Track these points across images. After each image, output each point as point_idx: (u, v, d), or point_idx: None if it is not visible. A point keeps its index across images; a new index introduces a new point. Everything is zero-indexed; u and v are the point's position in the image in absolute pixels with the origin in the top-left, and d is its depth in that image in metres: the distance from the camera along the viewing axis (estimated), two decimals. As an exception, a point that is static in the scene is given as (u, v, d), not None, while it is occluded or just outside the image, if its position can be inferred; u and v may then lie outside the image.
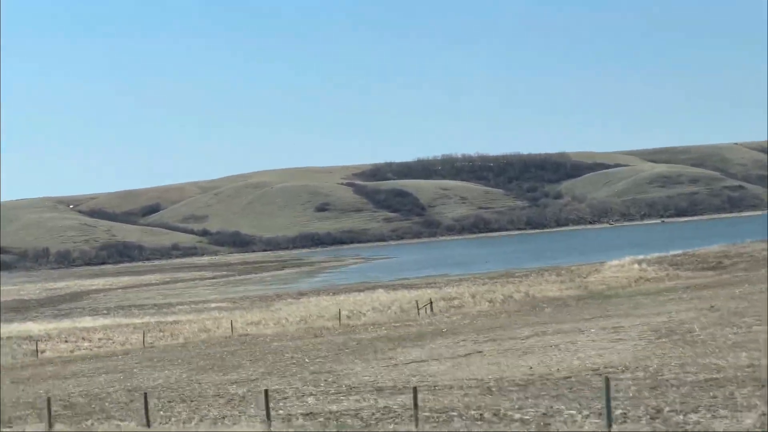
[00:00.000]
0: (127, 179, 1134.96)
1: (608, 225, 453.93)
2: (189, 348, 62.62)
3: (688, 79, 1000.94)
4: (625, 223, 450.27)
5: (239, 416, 28.27)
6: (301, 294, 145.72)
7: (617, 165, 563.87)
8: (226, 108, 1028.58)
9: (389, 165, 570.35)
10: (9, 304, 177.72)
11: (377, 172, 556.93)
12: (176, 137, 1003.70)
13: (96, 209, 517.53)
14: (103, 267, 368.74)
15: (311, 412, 27.57)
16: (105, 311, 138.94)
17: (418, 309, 78.54)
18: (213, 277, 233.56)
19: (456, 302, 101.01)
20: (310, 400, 30.68)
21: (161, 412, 30.85)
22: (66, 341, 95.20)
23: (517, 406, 25.15)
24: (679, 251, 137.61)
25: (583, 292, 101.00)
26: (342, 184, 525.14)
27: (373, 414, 26.30)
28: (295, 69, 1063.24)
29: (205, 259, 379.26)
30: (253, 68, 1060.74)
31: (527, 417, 23.31)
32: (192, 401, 33.85)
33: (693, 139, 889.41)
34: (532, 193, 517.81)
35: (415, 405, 18.76)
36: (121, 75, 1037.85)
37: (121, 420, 30.47)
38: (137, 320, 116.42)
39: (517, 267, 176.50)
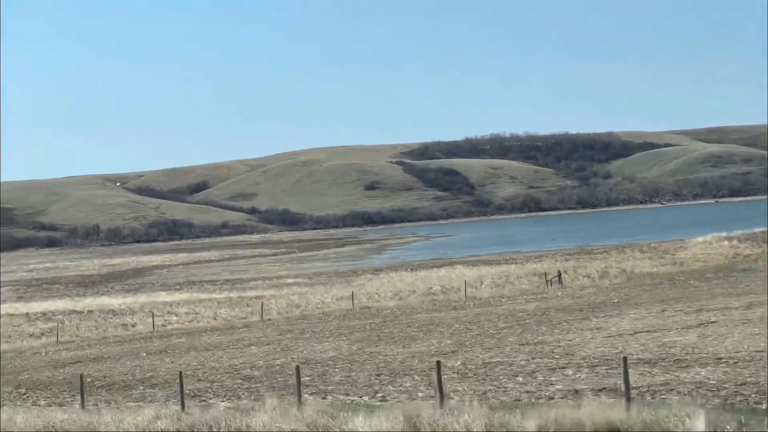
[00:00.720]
0: (173, 157, 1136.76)
1: (660, 205, 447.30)
2: (311, 320, 58.69)
3: (737, 57, 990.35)
4: (677, 203, 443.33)
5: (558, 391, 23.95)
6: (377, 270, 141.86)
7: (667, 145, 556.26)
8: (272, 86, 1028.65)
9: (437, 144, 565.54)
10: (72, 279, 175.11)
11: (425, 151, 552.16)
12: (222, 115, 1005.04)
13: (143, 187, 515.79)
14: (154, 244, 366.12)
15: (604, 388, 23.35)
16: (177, 286, 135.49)
17: (546, 281, 74.42)
18: (273, 254, 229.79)
19: (550, 278, 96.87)
20: (582, 374, 26.40)
21: (390, 387, 26.82)
22: (153, 315, 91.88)
23: None
24: (765, 228, 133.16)
25: (680, 268, 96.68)
26: (391, 162, 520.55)
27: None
28: (341, 48, 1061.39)
29: (255, 237, 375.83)
30: (300, 47, 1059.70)
31: None
32: (406, 375, 29.74)
33: (743, 119, 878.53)
34: (580, 172, 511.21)
35: None
36: (166, 54, 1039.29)
37: (345, 394, 26.33)
38: (216, 295, 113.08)
39: (588, 244, 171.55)
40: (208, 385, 32.22)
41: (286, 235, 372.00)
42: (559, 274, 75.78)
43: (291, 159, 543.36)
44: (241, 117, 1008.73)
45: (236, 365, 37.56)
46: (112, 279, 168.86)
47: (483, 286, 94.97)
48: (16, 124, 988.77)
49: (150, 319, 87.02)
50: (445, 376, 27.88)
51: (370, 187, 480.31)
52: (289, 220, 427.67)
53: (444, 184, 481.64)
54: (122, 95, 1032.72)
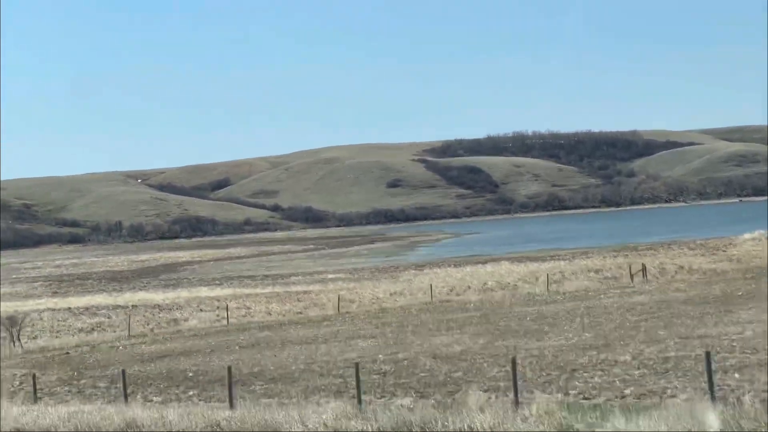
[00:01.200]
0: (194, 154, 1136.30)
1: (685, 204, 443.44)
2: (394, 314, 55.68)
3: (759, 56, 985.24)
4: (702, 202, 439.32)
5: None
6: (419, 266, 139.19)
7: (690, 143, 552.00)
8: (291, 83, 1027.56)
9: (459, 141, 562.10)
10: (102, 274, 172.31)
11: (448, 149, 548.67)
12: (242, 113, 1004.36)
13: (165, 184, 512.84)
14: (177, 241, 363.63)
15: None
16: (216, 282, 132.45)
17: (631, 275, 71.36)
18: (303, 251, 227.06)
19: (607, 274, 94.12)
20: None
21: (577, 383, 23.84)
22: (201, 310, 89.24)
23: None
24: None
25: (739, 264, 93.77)
26: (413, 160, 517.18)
27: None
28: (361, 46, 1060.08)
29: (279, 234, 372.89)
30: (320, 44, 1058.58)
31: None
32: (577, 370, 26.79)
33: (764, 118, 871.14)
34: (603, 171, 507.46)
35: None
36: (186, 52, 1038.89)
37: (529, 391, 23.39)
38: (259, 290, 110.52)
39: (628, 241, 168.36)
40: (341, 380, 29.34)
41: (311, 233, 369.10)
42: (644, 268, 72.56)
43: (313, 156, 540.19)
44: (260, 115, 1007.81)
45: (352, 359, 34.49)
46: (145, 274, 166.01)
47: (539, 281, 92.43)
48: (36, 121, 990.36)
49: (202, 314, 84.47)
50: (638, 372, 24.95)
51: (393, 184, 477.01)
52: (312, 218, 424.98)
53: (467, 182, 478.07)
54: (141, 92, 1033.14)
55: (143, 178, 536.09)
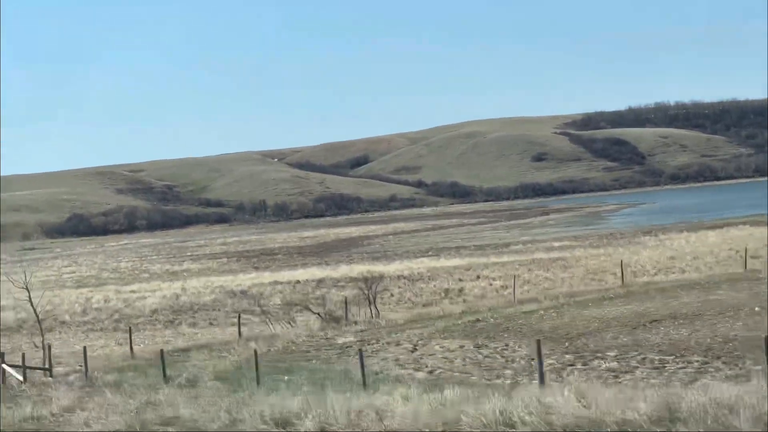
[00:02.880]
0: (328, 132, 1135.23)
1: None
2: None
3: None
4: None
5: None
6: (646, 233, 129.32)
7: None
8: (428, 59, 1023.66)
9: (601, 114, 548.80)
10: (286, 250, 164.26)
11: (589, 122, 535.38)
12: (376, 89, 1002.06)
13: (303, 162, 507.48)
14: (325, 219, 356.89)
15: None
16: (431, 253, 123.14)
17: None
18: (479, 223, 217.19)
19: None
20: None
21: None
22: (460, 279, 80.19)
23: None
24: None
25: None
26: (556, 133, 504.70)
27: None
28: (498, 20, 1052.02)
29: (427, 210, 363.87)
30: (455, 21, 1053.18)
31: None
32: None
33: None
34: (753, 140, 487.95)
35: None
36: (321, 27, 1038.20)
37: None
38: (494, 259, 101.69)
39: None
40: None
41: (463, 207, 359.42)
42: None
43: (452, 131, 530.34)
44: (395, 91, 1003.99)
45: None
46: (330, 249, 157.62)
47: None
48: (171, 103, 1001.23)
49: (475, 283, 75.55)
50: None
51: (538, 158, 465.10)
52: (458, 193, 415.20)
53: (613, 154, 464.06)
54: (272, 72, 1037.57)
55: (280, 157, 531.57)
